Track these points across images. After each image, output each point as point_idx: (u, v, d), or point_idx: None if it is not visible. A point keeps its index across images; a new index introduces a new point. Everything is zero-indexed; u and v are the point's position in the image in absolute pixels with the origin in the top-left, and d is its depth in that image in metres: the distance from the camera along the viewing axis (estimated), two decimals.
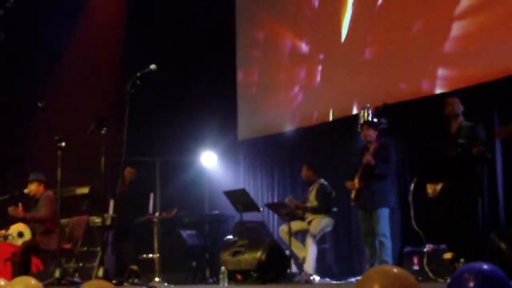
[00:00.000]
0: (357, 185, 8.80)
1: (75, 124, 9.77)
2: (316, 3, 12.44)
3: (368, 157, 8.68)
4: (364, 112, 9.79)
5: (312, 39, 12.43)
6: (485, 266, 3.05)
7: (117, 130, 7.22)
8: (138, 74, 7.21)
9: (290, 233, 9.25)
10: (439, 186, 7.79)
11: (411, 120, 10.09)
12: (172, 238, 12.03)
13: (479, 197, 8.40)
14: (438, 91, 9.89)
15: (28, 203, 9.21)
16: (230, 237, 11.11)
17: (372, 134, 8.92)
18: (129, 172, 10.57)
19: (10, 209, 8.80)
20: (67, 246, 9.12)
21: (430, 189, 7.90)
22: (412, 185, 8.24)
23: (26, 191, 9.15)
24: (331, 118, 11.76)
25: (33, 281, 4.94)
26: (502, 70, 9.05)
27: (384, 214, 8.67)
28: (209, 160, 13.17)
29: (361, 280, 3.06)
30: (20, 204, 8.86)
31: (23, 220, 8.99)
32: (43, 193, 9.12)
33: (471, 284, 2.98)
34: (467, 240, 7.56)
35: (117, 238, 10.24)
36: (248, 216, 10.82)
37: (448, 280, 3.27)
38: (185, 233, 11.89)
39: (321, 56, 12.15)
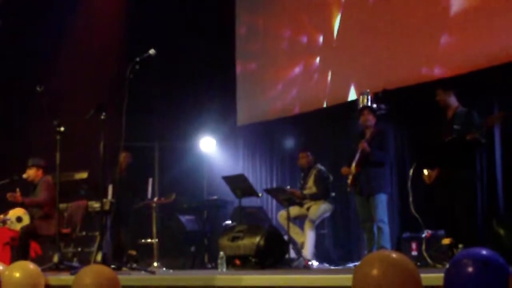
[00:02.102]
0: (353, 171, 8.82)
1: (74, 109, 9.76)
2: None
3: (364, 144, 8.70)
4: (363, 98, 9.77)
5: (311, 25, 12.39)
6: (484, 252, 3.05)
7: (116, 115, 7.20)
8: (137, 59, 7.19)
9: (289, 219, 9.26)
10: (434, 172, 7.80)
11: (411, 106, 10.09)
12: (171, 223, 12.05)
13: (476, 183, 8.42)
14: (438, 76, 9.87)
15: (27, 188, 9.21)
16: (229, 222, 11.12)
17: (371, 119, 8.92)
18: (124, 157, 10.53)
19: (9, 195, 8.80)
20: (66, 231, 9.12)
21: (426, 175, 7.91)
22: (411, 171, 8.24)
23: (24, 176, 9.15)
24: (330, 104, 11.74)
25: (31, 265, 4.96)
26: (503, 56, 9.04)
27: (381, 200, 8.68)
28: (208, 146, 13.15)
29: (359, 265, 3.06)
30: (17, 190, 8.85)
31: (22, 205, 8.99)
32: (41, 178, 9.12)
33: (470, 269, 2.99)
34: (466, 226, 7.57)
35: (116, 223, 10.25)
36: (247, 201, 10.82)
37: (447, 266, 3.28)
38: (183, 218, 11.90)
39: (320, 42, 12.12)
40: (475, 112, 7.85)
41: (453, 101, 7.96)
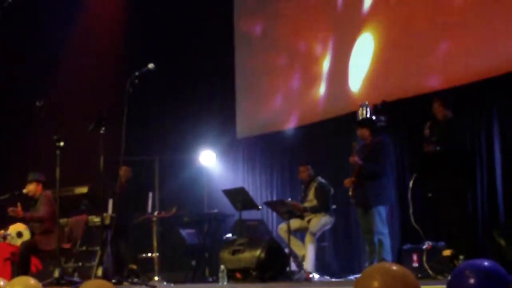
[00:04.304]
0: (350, 183, 8.87)
1: (74, 124, 9.77)
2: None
3: (353, 158, 8.77)
4: (362, 110, 9.78)
5: (310, 38, 12.40)
6: (486, 263, 3.04)
7: (116, 129, 7.21)
8: (137, 74, 7.21)
9: (289, 231, 9.25)
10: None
11: (410, 118, 10.08)
12: (171, 237, 12.04)
13: (468, 192, 8.44)
14: (436, 88, 9.87)
15: (28, 203, 9.19)
16: (230, 235, 11.11)
17: (365, 133, 8.98)
18: (124, 171, 10.53)
19: (10, 210, 8.79)
20: (66, 245, 9.11)
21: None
22: (411, 182, 8.25)
23: (24, 191, 9.14)
24: (329, 116, 11.73)
25: (32, 281, 4.94)
26: (502, 67, 9.04)
27: (379, 212, 8.68)
28: (208, 159, 13.16)
29: (360, 278, 3.05)
30: (19, 204, 8.84)
31: (22, 220, 8.97)
32: (41, 193, 9.10)
33: (472, 281, 2.98)
34: (462, 236, 7.59)
35: (116, 237, 10.23)
36: (247, 214, 10.82)
37: (448, 277, 3.27)
38: (184, 232, 11.89)
39: (319, 55, 12.13)
40: (456, 122, 7.94)
41: (442, 111, 8.01)
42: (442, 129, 7.89)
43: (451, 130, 7.86)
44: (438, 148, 7.72)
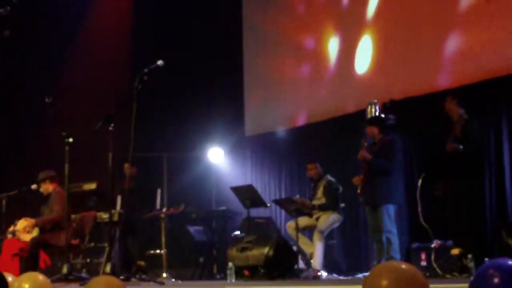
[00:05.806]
0: (360, 181, 8.86)
1: (83, 120, 9.78)
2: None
3: (362, 153, 8.75)
4: (371, 108, 9.76)
5: (319, 37, 12.39)
6: (510, 262, 3.02)
7: (125, 126, 7.22)
8: (146, 70, 7.21)
9: (298, 229, 9.24)
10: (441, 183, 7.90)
11: (419, 116, 10.07)
12: (180, 234, 12.04)
13: (481, 193, 8.43)
14: (445, 86, 9.85)
15: (35, 199, 9.20)
16: (238, 233, 11.11)
17: (374, 131, 8.97)
18: (126, 168, 10.52)
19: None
20: (75, 242, 9.11)
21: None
22: (420, 181, 8.23)
23: (41, 190, 9.12)
24: (338, 114, 11.72)
25: (41, 276, 4.95)
26: (511, 66, 9.02)
27: (388, 211, 8.66)
28: (217, 156, 13.18)
29: (368, 276, 3.05)
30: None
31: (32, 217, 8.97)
32: (54, 189, 9.08)
33: (496, 280, 2.95)
34: (472, 236, 7.57)
35: (124, 234, 10.25)
36: (256, 212, 10.81)
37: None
38: (192, 229, 11.90)
39: (328, 54, 12.12)
40: (474, 122, 7.91)
41: (456, 110, 8.00)
42: (462, 129, 7.88)
43: (469, 130, 7.85)
44: (461, 147, 7.71)
